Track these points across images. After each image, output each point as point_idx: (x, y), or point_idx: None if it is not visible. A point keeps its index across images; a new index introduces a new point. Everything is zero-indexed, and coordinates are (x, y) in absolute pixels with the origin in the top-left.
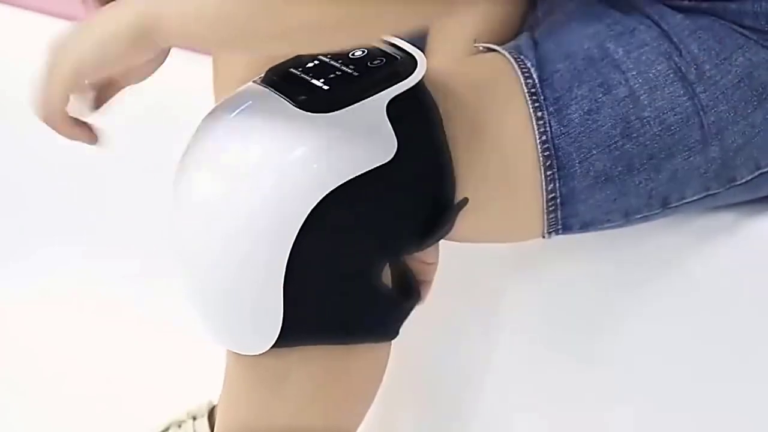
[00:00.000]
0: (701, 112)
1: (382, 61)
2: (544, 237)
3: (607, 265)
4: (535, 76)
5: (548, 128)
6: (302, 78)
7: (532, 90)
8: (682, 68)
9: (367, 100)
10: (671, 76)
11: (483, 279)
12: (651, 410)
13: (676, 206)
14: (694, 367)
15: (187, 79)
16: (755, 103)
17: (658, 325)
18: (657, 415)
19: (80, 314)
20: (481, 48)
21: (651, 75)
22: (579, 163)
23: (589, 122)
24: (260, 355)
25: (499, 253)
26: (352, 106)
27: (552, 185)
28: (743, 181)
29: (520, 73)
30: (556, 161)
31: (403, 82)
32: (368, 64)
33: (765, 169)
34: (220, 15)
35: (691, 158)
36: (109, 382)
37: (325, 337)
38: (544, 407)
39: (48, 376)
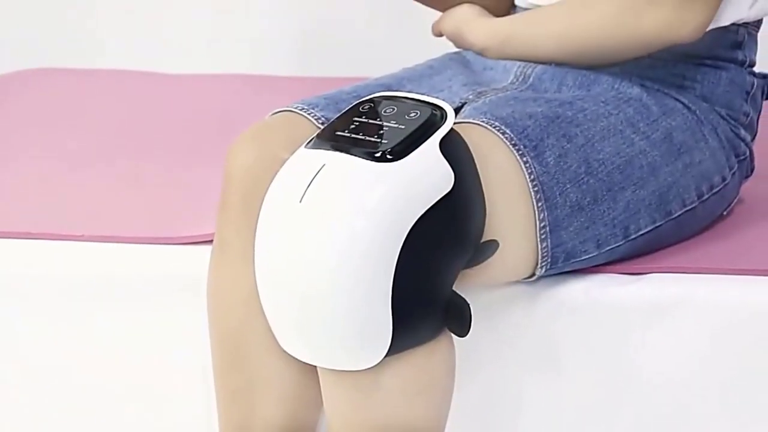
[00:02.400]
0: (640, 155)
1: (417, 113)
2: (535, 274)
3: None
4: (508, 131)
5: (533, 169)
6: (354, 138)
7: (513, 141)
8: (623, 122)
9: (423, 144)
10: (618, 127)
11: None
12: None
13: (634, 238)
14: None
15: None
16: (675, 155)
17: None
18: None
19: (80, 315)
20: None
21: (600, 127)
22: (559, 194)
23: (561, 164)
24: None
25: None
26: (415, 151)
27: (542, 214)
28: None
29: (497, 131)
30: (543, 194)
31: (445, 124)
32: (406, 116)
33: (690, 207)
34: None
35: (637, 191)
36: (108, 385)
37: (424, 335)
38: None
39: (46, 375)
